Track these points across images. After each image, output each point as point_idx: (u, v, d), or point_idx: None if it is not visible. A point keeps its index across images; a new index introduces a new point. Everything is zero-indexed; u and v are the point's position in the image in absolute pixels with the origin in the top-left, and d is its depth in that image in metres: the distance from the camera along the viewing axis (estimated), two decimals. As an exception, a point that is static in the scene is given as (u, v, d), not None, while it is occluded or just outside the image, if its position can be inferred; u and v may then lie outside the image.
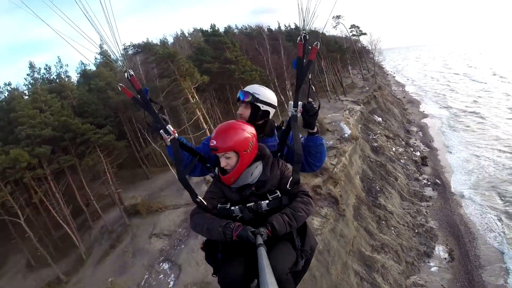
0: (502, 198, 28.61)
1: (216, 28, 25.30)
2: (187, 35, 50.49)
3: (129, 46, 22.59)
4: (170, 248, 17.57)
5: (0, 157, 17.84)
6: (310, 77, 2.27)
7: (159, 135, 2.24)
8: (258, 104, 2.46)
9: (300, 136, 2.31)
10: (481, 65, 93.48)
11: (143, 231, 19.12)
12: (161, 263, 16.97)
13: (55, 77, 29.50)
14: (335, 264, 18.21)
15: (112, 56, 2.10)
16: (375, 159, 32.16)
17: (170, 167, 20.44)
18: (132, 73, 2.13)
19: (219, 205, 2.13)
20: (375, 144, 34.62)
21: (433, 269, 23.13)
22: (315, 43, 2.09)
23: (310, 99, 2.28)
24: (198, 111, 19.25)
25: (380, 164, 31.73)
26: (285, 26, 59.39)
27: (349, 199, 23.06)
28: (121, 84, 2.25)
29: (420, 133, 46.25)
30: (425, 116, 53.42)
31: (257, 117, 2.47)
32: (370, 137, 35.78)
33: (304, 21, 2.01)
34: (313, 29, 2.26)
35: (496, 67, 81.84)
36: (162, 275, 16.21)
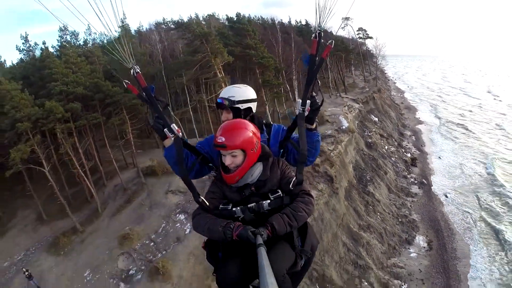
0: (481, 204, 32.50)
1: (241, 17, 28.56)
2: (201, 19, 53.08)
3: (167, 22, 25.23)
4: (186, 202, 19.99)
5: (33, 108, 20.43)
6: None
7: (162, 133, 2.30)
8: (237, 106, 2.57)
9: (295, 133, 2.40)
10: (478, 82, 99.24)
11: (158, 188, 21.64)
12: (178, 214, 19.58)
13: (81, 43, 31.99)
14: (327, 232, 21.43)
15: (120, 52, 2.15)
16: (368, 153, 35.41)
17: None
18: (138, 70, 2.17)
19: (221, 206, 2.19)
20: (369, 140, 37.83)
21: (412, 255, 26.08)
22: (329, 42, 2.14)
23: (314, 94, 2.31)
24: (224, 85, 22.36)
25: (372, 158, 34.98)
26: (296, 21, 62.66)
27: (342, 181, 26.24)
28: (126, 81, 2.28)
29: (413, 137, 49.95)
30: (420, 122, 57.63)
31: (241, 117, 2.54)
32: (365, 133, 38.98)
33: (320, 18, 2.04)
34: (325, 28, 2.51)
35: (492, 85, 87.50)
36: (178, 224, 18.77)
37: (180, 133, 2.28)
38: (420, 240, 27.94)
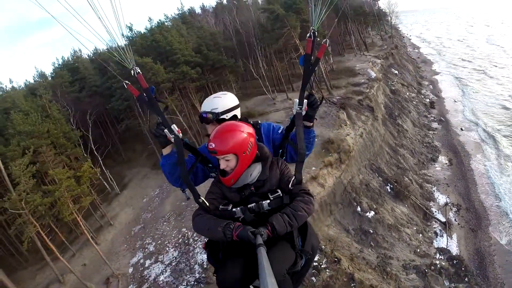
0: (484, 135, 44.17)
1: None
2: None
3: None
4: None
5: (170, 74, 32.90)
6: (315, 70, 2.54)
7: (162, 140, 2.59)
8: (222, 117, 2.80)
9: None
10: (481, 33, 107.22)
11: (259, 123, 34.87)
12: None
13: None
14: (375, 143, 34.22)
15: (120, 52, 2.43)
16: (394, 97, 46.92)
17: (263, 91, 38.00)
18: (139, 70, 2.44)
19: (221, 206, 2.47)
20: (393, 88, 49.61)
21: (437, 168, 37.27)
22: (323, 41, 2.42)
23: (312, 91, 2.59)
24: (301, 49, 36.04)
25: (398, 101, 46.64)
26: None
27: (378, 113, 39.78)
28: (127, 82, 2.55)
29: (431, 86, 62.32)
30: (437, 73, 69.90)
31: None
32: (389, 83, 50.83)
33: (313, 17, 2.35)
34: None
35: (494, 36, 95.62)
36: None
37: (180, 134, 2.55)
38: (443, 159, 39.22)
